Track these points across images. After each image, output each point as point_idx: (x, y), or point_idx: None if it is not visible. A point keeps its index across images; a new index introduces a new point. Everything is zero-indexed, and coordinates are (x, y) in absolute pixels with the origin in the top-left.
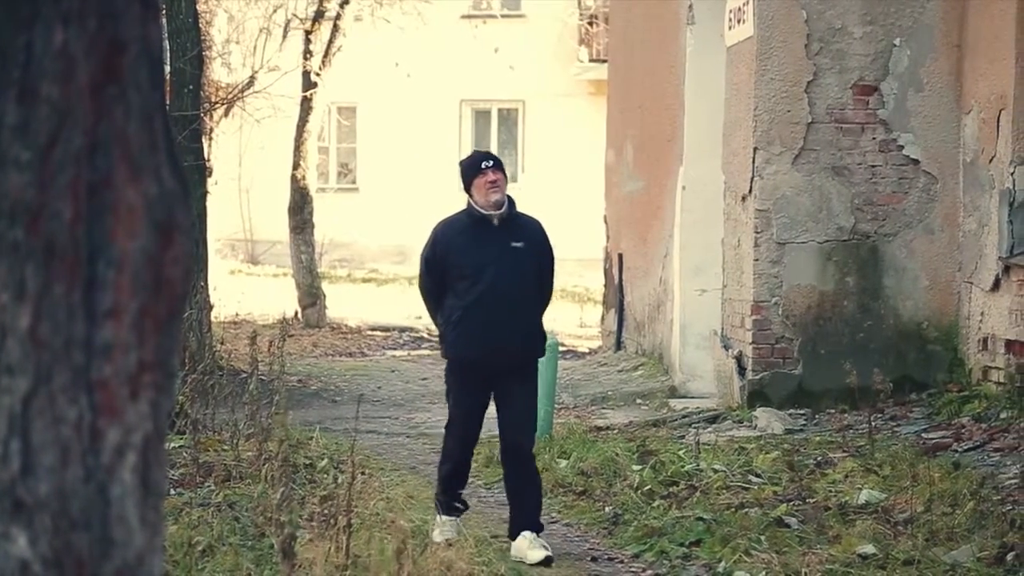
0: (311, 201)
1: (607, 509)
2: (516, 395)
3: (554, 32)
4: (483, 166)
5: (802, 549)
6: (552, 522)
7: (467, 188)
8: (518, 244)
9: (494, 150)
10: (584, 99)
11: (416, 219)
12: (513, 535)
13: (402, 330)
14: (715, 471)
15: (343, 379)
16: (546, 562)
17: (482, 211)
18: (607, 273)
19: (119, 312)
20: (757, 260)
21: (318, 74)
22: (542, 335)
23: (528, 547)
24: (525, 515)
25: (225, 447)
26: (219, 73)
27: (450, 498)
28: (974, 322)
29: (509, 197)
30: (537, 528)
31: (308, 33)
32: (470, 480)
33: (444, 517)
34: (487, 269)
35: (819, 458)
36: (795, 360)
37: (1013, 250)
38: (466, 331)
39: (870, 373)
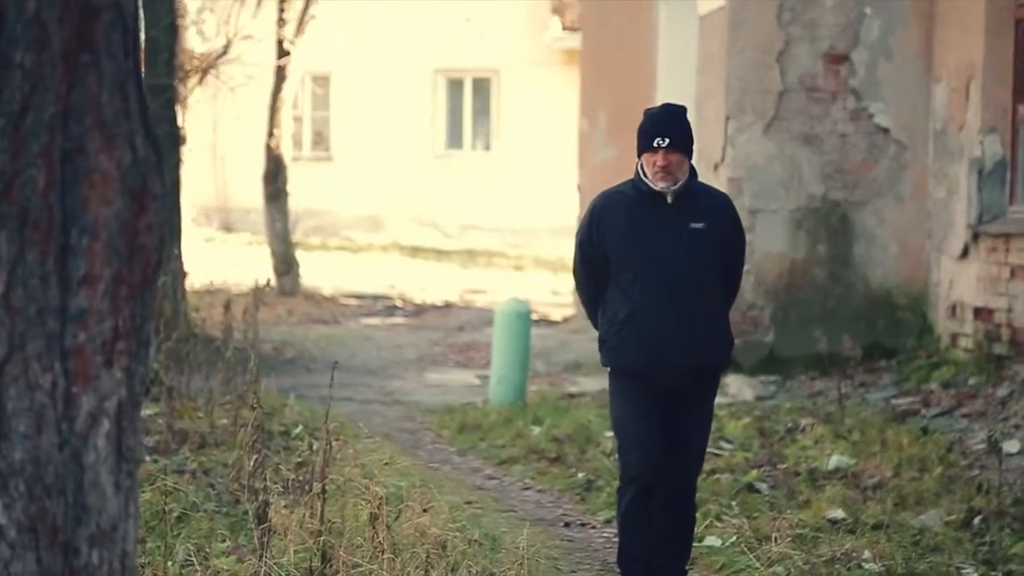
0: (285, 169)
1: (580, 475)
2: (690, 419)
3: (527, 1)
4: (655, 144)
5: (772, 514)
6: (525, 488)
7: (639, 154)
8: (698, 225)
9: (468, 119)
10: (557, 68)
11: (390, 188)
12: None
13: (376, 298)
14: None
15: (317, 346)
16: None
17: (653, 185)
18: None
19: (93, 279)
20: None
21: (292, 42)
22: (729, 340)
23: None
24: (672, 563)
25: (200, 414)
26: (193, 41)
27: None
28: (943, 289)
29: (691, 166)
30: None
31: (282, 1)
32: (441, 447)
33: None
34: (657, 257)
35: (789, 424)
36: (766, 327)
37: (982, 218)
38: (633, 335)
39: (840, 340)
